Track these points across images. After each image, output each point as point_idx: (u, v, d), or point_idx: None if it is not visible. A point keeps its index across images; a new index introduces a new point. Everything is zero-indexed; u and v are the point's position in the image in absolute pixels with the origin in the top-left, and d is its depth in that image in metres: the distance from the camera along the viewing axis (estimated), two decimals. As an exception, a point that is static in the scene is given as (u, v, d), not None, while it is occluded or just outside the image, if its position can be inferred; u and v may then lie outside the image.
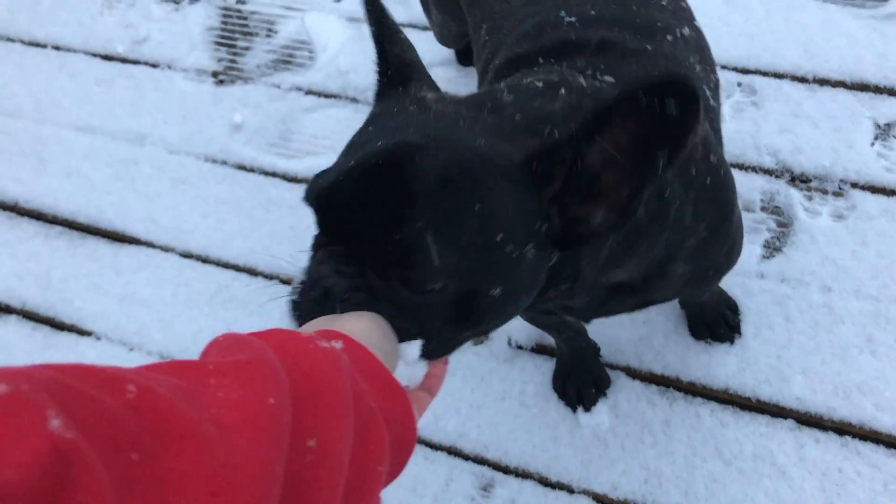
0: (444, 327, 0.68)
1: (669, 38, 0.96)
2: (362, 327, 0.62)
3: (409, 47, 0.81)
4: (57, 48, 1.98)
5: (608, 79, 0.86)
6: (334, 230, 0.69)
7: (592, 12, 0.95)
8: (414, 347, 0.66)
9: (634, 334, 1.34)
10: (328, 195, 0.68)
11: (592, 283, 0.82)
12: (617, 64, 0.89)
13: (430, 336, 0.68)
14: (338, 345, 0.56)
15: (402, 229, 0.62)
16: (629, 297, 0.93)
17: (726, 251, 0.97)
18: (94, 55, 1.95)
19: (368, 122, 0.75)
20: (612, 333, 1.34)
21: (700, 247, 0.90)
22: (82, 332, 1.58)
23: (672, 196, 0.81)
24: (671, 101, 0.58)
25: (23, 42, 2.02)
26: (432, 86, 0.80)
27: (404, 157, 0.64)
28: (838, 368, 1.25)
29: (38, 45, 2.00)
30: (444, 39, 1.57)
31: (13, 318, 1.63)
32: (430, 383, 0.70)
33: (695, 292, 1.17)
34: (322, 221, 0.70)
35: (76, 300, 1.61)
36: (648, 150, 0.62)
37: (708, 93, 1.00)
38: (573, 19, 0.95)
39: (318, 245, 0.72)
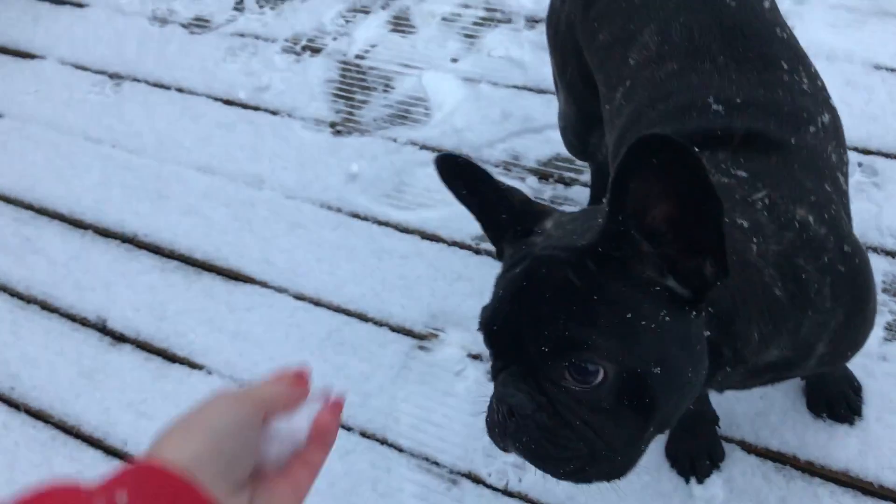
0: (625, 425, 0.75)
1: (812, 129, 0.98)
2: (196, 440, 0.56)
3: (508, 191, 0.88)
4: (181, 91, 2.08)
5: (741, 174, 0.89)
6: (505, 352, 0.79)
7: (738, 99, 0.97)
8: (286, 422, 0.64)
9: (751, 408, 1.33)
10: (491, 324, 0.79)
11: (753, 366, 0.85)
12: (758, 158, 0.92)
13: (617, 440, 0.75)
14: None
15: (550, 327, 0.73)
16: (771, 373, 0.94)
17: (867, 320, 0.98)
18: (217, 99, 2.04)
19: (505, 264, 0.84)
20: (728, 406, 1.33)
21: (841, 328, 0.92)
22: (194, 366, 1.62)
23: (809, 279, 0.86)
24: (659, 151, 0.66)
25: (149, 83, 2.13)
26: (543, 208, 0.88)
27: (535, 274, 0.76)
28: (967, 459, 1.22)
29: (163, 86, 2.11)
30: (570, 142, 1.51)
31: (128, 347, 1.68)
32: (320, 435, 0.63)
33: (826, 369, 1.17)
34: (493, 347, 0.80)
35: (190, 334, 1.66)
36: (680, 195, 0.69)
37: (841, 178, 1.01)
38: (720, 107, 0.97)
39: (497, 370, 0.81)
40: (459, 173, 0.87)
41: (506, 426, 0.78)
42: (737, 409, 1.33)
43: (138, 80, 2.14)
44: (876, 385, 1.31)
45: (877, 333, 1.36)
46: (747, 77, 0.99)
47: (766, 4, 1.08)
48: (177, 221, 1.84)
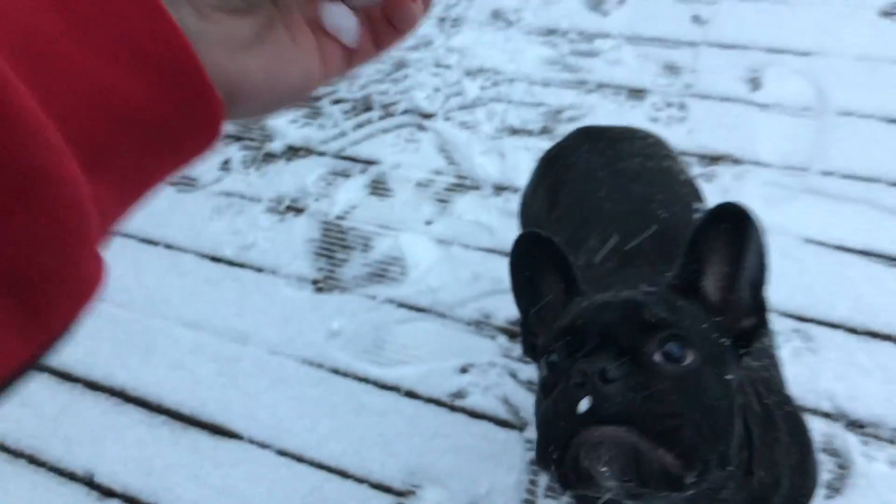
0: (707, 416, 0.79)
1: None
2: None
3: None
4: (169, 247, 2.21)
5: None
6: (594, 341, 0.81)
7: None
8: None
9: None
10: (585, 323, 0.83)
11: (737, 493, 0.95)
12: None
13: (703, 424, 0.78)
14: None
15: (648, 311, 0.81)
16: None
17: (812, 477, 1.11)
18: (204, 256, 2.17)
19: (580, 303, 0.90)
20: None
21: (798, 468, 1.05)
22: (180, 522, 1.69)
23: (775, 415, 1.00)
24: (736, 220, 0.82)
25: (137, 239, 2.25)
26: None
27: (636, 302, 0.83)
28: None
29: (151, 242, 2.23)
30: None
31: (116, 502, 1.74)
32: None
33: None
34: (573, 345, 0.82)
35: (177, 488, 1.73)
36: (742, 258, 0.85)
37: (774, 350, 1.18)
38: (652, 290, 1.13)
39: (565, 366, 0.82)
40: (540, 252, 0.96)
41: (598, 397, 0.74)
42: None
43: (127, 236, 2.26)
44: (820, 543, 1.43)
45: (819, 492, 1.49)
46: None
47: (697, 215, 1.27)
48: (164, 376, 1.93)
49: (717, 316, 0.87)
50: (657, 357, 0.78)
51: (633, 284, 0.96)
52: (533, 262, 0.97)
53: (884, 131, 2.03)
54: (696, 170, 2.04)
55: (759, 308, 0.88)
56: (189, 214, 2.27)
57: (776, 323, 1.70)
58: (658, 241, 1.22)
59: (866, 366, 1.63)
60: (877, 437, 1.54)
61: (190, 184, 2.36)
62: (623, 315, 0.81)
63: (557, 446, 0.77)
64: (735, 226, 0.84)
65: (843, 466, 1.51)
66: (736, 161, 2.04)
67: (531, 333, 0.99)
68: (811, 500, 1.14)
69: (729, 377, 0.84)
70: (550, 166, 1.43)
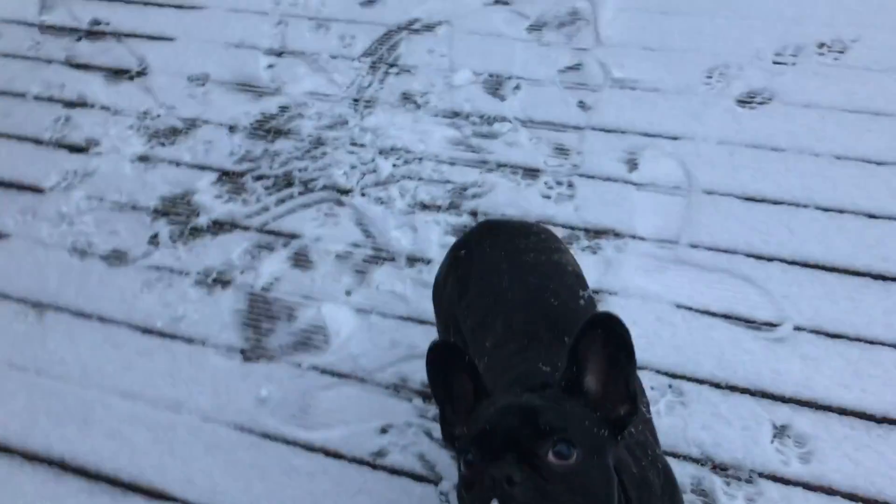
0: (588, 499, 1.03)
1: None
2: None
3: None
4: (102, 320, 2.34)
5: None
6: (497, 448, 1.02)
7: (559, 363, 1.38)
8: None
9: None
10: (492, 429, 1.04)
11: None
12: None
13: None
14: None
15: (540, 419, 1.03)
16: None
17: None
18: (136, 328, 2.30)
19: (488, 408, 1.12)
20: None
21: None
22: (122, 584, 1.82)
23: (649, 473, 1.25)
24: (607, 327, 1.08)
25: (70, 312, 2.37)
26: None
27: (518, 402, 1.08)
28: None
29: (85, 315, 2.35)
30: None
31: (58, 569, 1.86)
32: None
33: None
34: (486, 447, 1.03)
35: (117, 553, 1.87)
36: (614, 357, 1.10)
37: (643, 408, 1.44)
38: (548, 368, 1.37)
39: (486, 464, 1.02)
40: (450, 358, 1.18)
41: (503, 497, 0.97)
42: None
43: (60, 309, 2.38)
44: (690, 571, 1.69)
45: (689, 528, 1.75)
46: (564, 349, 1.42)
47: (582, 302, 1.52)
48: (102, 445, 2.06)
49: (598, 408, 1.12)
50: (550, 457, 1.01)
51: (530, 385, 1.22)
52: (445, 366, 1.19)
53: (741, 208, 2.36)
54: (583, 242, 2.32)
55: (631, 397, 1.13)
56: (120, 288, 2.41)
57: (653, 380, 1.99)
58: (550, 325, 1.46)
59: (728, 416, 1.92)
60: (737, 479, 1.82)
61: (120, 258, 2.49)
62: (522, 422, 1.04)
63: None
64: (607, 331, 1.09)
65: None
66: (617, 235, 2.33)
67: (448, 424, 1.21)
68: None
69: (607, 462, 1.09)
70: (458, 257, 1.67)
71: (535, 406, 1.07)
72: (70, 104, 3.07)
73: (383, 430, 2.00)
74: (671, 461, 1.55)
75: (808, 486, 1.79)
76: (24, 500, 1.98)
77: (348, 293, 2.31)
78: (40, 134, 2.96)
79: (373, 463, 1.95)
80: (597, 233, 2.36)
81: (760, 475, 1.82)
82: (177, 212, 2.61)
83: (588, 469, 1.04)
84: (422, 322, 2.20)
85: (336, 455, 1.97)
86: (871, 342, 2.02)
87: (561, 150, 2.62)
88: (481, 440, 1.05)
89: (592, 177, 2.52)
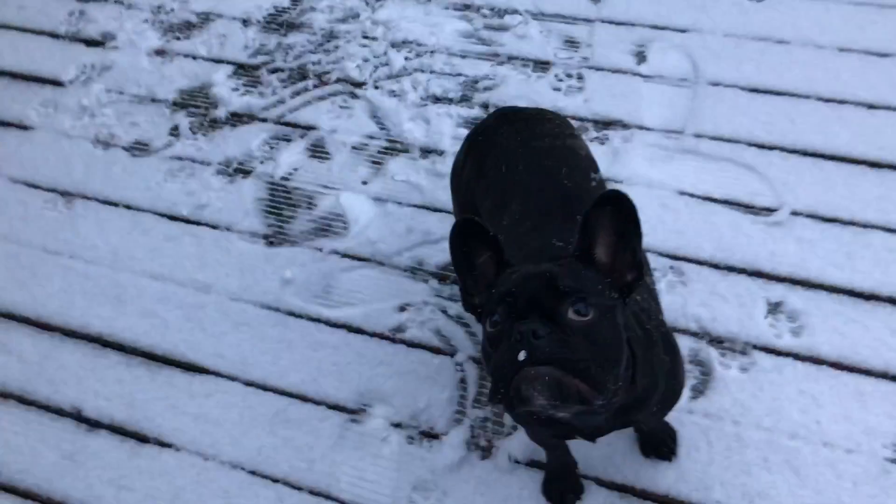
0: (605, 355, 1.16)
1: None
2: None
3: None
4: (129, 207, 2.44)
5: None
6: (523, 308, 1.15)
7: (572, 239, 1.49)
8: None
9: (601, 453, 1.83)
10: (517, 292, 1.17)
11: (621, 404, 1.32)
12: None
13: (602, 360, 1.15)
14: None
15: (561, 283, 1.16)
16: (625, 415, 1.43)
17: (680, 381, 1.50)
18: (162, 215, 2.41)
19: (511, 275, 1.24)
20: (585, 452, 1.82)
21: (671, 374, 1.44)
22: (164, 444, 1.97)
23: (652, 335, 1.39)
24: (617, 203, 1.19)
25: (98, 201, 2.47)
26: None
27: (540, 268, 1.21)
28: (744, 480, 1.77)
29: (112, 203, 2.46)
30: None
31: (103, 432, 2.01)
32: None
33: (655, 420, 1.69)
34: (514, 306, 1.16)
35: (157, 418, 2.02)
36: (622, 229, 1.21)
37: (649, 278, 1.56)
38: (561, 244, 1.48)
39: (513, 322, 1.15)
40: (474, 233, 1.28)
41: (531, 348, 1.10)
42: (591, 453, 1.83)
43: (88, 198, 2.48)
44: (686, 432, 1.84)
45: (685, 393, 1.90)
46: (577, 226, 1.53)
47: (594, 184, 1.62)
48: (136, 323, 2.20)
49: (608, 276, 1.24)
50: (570, 314, 1.14)
51: (547, 256, 1.33)
52: (467, 241, 1.30)
53: (745, 99, 2.43)
54: (591, 133, 2.40)
55: (637, 265, 1.25)
56: (144, 177, 2.50)
57: (655, 261, 2.10)
58: (564, 205, 1.56)
59: (725, 294, 2.04)
60: (732, 350, 1.96)
61: (142, 148, 2.58)
62: (543, 285, 1.16)
63: (505, 384, 1.13)
64: (616, 206, 1.19)
65: (706, 374, 1.92)
66: (625, 126, 2.41)
67: (469, 294, 1.34)
68: (680, 396, 1.53)
69: (618, 321, 1.22)
70: (476, 143, 1.76)
71: (555, 272, 1.19)
72: (83, -2, 3.10)
73: (401, 308, 2.13)
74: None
75: (798, 357, 1.93)
76: (67, 373, 2.12)
77: (365, 183, 2.41)
78: (56, 27, 3.00)
79: (392, 337, 2.09)
80: (605, 124, 2.43)
81: (754, 347, 1.95)
82: (195, 104, 2.68)
83: (602, 325, 1.17)
84: (436, 210, 2.30)
85: (358, 330, 2.11)
86: (864, 226, 2.13)
87: (571, 43, 2.66)
88: (507, 302, 1.18)
89: (601, 69, 2.57)
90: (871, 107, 2.35)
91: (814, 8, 2.62)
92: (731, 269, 2.09)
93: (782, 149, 2.30)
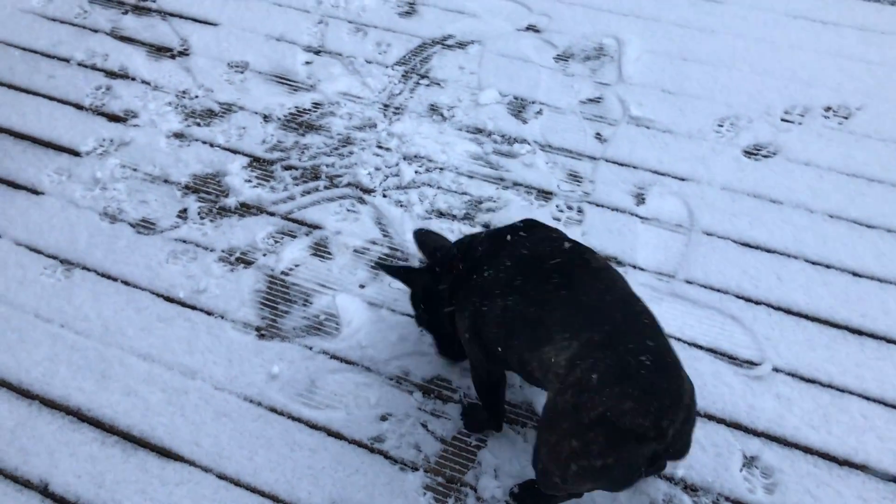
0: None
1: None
2: None
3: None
4: (126, 283, 2.47)
5: None
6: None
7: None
8: None
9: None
10: None
11: None
12: None
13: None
14: None
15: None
16: None
17: None
18: (159, 295, 2.44)
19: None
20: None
21: None
22: (127, 530, 1.95)
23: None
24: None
25: (97, 273, 2.50)
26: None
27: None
28: None
29: (110, 277, 2.49)
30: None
31: (68, 509, 1.99)
32: None
33: None
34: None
35: (125, 501, 1.99)
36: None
37: None
38: None
39: None
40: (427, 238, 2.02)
41: None
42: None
43: (88, 269, 2.51)
44: None
45: (656, 539, 1.90)
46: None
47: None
48: (118, 401, 2.19)
49: None
50: None
51: None
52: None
53: (736, 252, 2.52)
54: (587, 266, 2.47)
55: None
56: (147, 256, 2.54)
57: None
58: None
59: (703, 442, 2.07)
60: (705, 500, 1.97)
61: (148, 227, 2.63)
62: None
63: None
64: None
65: (678, 520, 1.94)
66: (619, 263, 2.49)
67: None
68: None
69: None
70: None
71: None
72: (112, 74, 3.21)
73: (383, 418, 2.15)
74: (648, 480, 1.72)
75: (769, 514, 1.96)
76: (42, 443, 2.11)
77: (362, 286, 2.46)
78: (81, 99, 3.10)
79: (371, 447, 2.09)
80: (600, 259, 2.51)
81: (727, 499, 1.97)
82: (207, 190, 2.75)
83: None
84: (428, 322, 2.35)
85: (337, 435, 2.11)
86: (842, 390, 2.18)
87: (574, 177, 2.78)
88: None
89: (601, 205, 2.67)
90: (855, 274, 2.45)
91: (808, 173, 2.76)
92: (710, 417, 2.13)
93: (768, 304, 2.38)
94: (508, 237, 1.88)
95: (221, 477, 2.04)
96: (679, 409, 1.53)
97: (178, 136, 2.95)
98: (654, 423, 1.49)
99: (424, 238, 2.15)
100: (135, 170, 2.83)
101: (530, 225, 1.92)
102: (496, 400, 2.04)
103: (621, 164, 2.82)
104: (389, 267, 2.13)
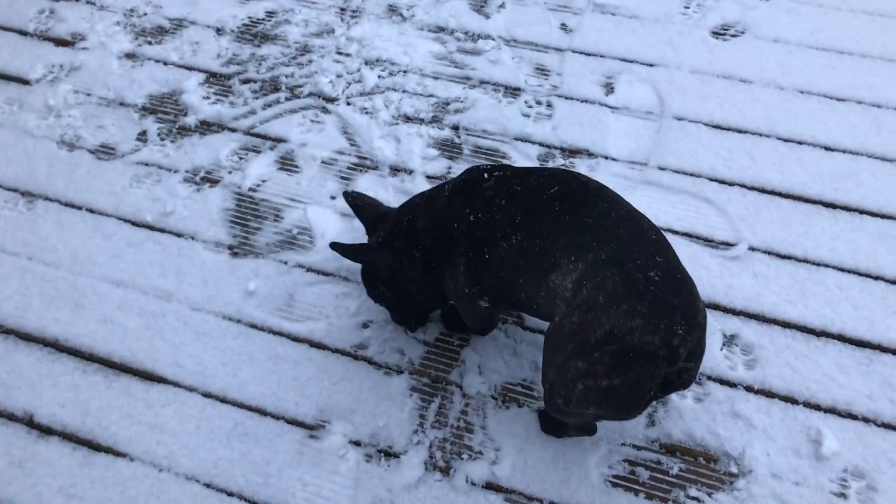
0: None
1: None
2: None
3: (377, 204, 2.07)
4: (91, 211, 2.41)
5: None
6: None
7: None
8: None
9: (557, 477, 1.86)
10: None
11: None
12: None
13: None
14: None
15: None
16: None
17: None
18: (126, 220, 2.38)
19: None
20: (541, 476, 1.85)
21: None
22: (118, 454, 1.95)
23: None
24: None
25: (60, 203, 2.44)
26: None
27: None
28: (696, 508, 1.81)
29: (74, 206, 2.42)
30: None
31: (55, 438, 1.98)
32: None
33: None
34: None
35: (112, 427, 1.99)
36: None
37: None
38: None
39: None
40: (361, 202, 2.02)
41: None
42: (547, 477, 1.86)
43: (50, 200, 2.44)
44: (641, 455, 1.88)
45: (642, 420, 1.94)
46: None
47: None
48: (95, 329, 2.17)
49: None
50: None
51: None
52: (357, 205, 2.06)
53: (708, 135, 2.50)
54: (558, 160, 2.45)
55: None
56: (109, 182, 2.48)
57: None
58: None
59: (682, 324, 2.09)
60: (687, 379, 2.00)
61: (108, 152, 2.55)
62: None
63: None
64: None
65: (663, 402, 1.97)
66: (591, 154, 2.46)
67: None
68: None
69: None
70: None
71: None
72: (53, -4, 3.07)
73: (364, 326, 2.14)
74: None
75: (750, 389, 1.99)
76: (22, 377, 2.09)
77: (333, 197, 2.41)
78: (24, 25, 2.96)
79: (354, 354, 2.09)
80: (572, 152, 2.48)
81: (709, 377, 2.00)
82: (165, 110, 2.67)
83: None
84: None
85: (320, 346, 2.11)
86: (818, 264, 2.20)
87: (542, 71, 2.71)
88: None
89: (570, 98, 2.63)
90: (827, 148, 2.44)
91: (777, 50, 2.71)
92: (689, 300, 2.15)
93: (742, 185, 2.37)
94: (479, 184, 1.75)
95: (207, 395, 2.04)
96: (693, 329, 1.47)
97: (130, 56, 2.84)
98: (664, 341, 1.44)
99: (359, 202, 2.04)
100: (88, 94, 2.73)
101: (485, 170, 1.79)
102: (493, 326, 2.06)
103: (588, 55, 2.75)
104: (343, 247, 1.90)
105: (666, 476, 1.87)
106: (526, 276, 1.65)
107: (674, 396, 1.97)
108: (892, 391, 1.98)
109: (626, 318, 1.44)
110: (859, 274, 2.18)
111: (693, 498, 1.83)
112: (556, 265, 1.58)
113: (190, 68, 2.79)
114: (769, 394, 1.98)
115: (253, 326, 2.16)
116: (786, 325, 2.09)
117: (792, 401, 1.97)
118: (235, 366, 2.09)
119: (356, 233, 2.32)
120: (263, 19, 2.93)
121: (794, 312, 2.11)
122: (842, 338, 2.07)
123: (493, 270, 1.70)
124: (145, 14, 2.97)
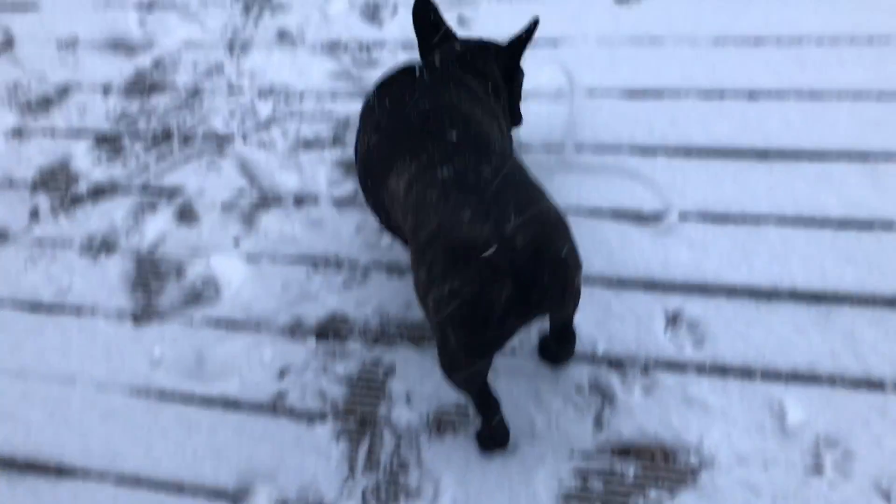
0: None
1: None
2: None
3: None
4: (-14, 303, 2.26)
5: None
6: None
7: None
8: None
9: None
10: None
11: None
12: None
13: None
14: None
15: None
16: None
17: None
18: (23, 306, 2.22)
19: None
20: None
21: None
22: (28, 563, 1.78)
23: None
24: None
25: (-47, 299, 2.28)
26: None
27: None
28: (657, 513, 1.62)
29: (-33, 300, 2.27)
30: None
31: (-39, 557, 1.81)
32: None
33: None
34: None
35: (20, 534, 1.82)
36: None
37: None
38: None
39: None
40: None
41: None
42: None
43: (-58, 297, 2.29)
44: (593, 465, 1.69)
45: (588, 427, 1.75)
46: None
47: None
48: (-5, 429, 2.00)
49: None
50: None
51: None
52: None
53: (623, 104, 2.32)
54: (471, 159, 2.27)
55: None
56: (4, 268, 2.32)
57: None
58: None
59: (620, 312, 1.91)
60: (633, 372, 1.82)
61: (1, 237, 2.40)
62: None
63: None
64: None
65: (609, 402, 1.78)
66: (504, 147, 2.29)
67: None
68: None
69: None
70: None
71: None
72: (-65, 86, 2.93)
73: (281, 374, 1.97)
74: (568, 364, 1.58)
75: (701, 369, 1.80)
76: (-80, 495, 1.92)
77: (236, 242, 2.25)
78: None
79: (273, 407, 1.92)
80: (482, 148, 2.31)
81: (656, 364, 1.82)
82: (55, 182, 2.51)
83: None
84: (313, 263, 2.15)
85: (234, 405, 1.94)
86: (757, 220, 2.01)
87: (442, 69, 2.55)
88: None
89: (475, 92, 2.46)
90: (750, 95, 2.26)
91: (686, 2, 2.54)
92: (623, 283, 1.96)
93: (665, 150, 2.19)
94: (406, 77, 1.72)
95: (120, 478, 1.86)
96: (533, 220, 1.28)
97: (17, 132, 2.69)
98: (494, 228, 1.25)
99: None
100: (-25, 180, 2.58)
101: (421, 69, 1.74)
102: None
103: (489, 43, 2.59)
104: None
105: (622, 483, 1.68)
106: (372, 178, 1.60)
107: (618, 392, 1.78)
108: (857, 344, 1.79)
109: (453, 211, 1.30)
110: (803, 223, 1.99)
111: (654, 501, 1.64)
112: (392, 167, 1.50)
113: (78, 133, 2.63)
114: (722, 370, 1.79)
115: (163, 396, 1.98)
116: (731, 291, 1.90)
117: (748, 374, 1.78)
118: (148, 442, 1.91)
119: (263, 275, 2.15)
120: (150, 69, 2.78)
121: (739, 277, 1.92)
122: (794, 295, 1.88)
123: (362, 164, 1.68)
124: (29, 86, 2.82)
